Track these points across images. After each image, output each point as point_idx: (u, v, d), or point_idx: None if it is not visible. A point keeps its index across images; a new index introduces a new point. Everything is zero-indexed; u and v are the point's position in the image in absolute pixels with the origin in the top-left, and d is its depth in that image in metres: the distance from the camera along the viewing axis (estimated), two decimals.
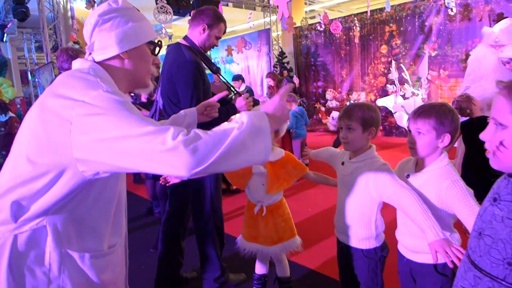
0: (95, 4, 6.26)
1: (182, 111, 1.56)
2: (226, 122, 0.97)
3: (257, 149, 0.93)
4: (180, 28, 12.24)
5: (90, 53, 1.08)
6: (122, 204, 1.16)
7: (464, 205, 1.27)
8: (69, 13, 6.18)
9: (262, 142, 0.93)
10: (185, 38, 2.20)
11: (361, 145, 1.59)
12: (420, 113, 1.38)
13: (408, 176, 1.46)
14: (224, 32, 2.27)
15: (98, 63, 1.06)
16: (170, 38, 9.00)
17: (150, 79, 1.19)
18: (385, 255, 1.61)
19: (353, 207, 1.58)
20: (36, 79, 11.68)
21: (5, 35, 8.70)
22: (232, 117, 2.32)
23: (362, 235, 1.57)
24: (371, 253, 1.57)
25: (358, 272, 1.62)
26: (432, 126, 1.34)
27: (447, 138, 1.35)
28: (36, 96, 12.54)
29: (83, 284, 1.01)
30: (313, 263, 2.63)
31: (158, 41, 1.18)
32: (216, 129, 0.93)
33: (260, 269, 2.18)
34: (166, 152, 0.84)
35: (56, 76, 5.41)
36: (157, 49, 1.18)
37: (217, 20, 2.17)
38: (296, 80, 7.28)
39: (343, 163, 1.66)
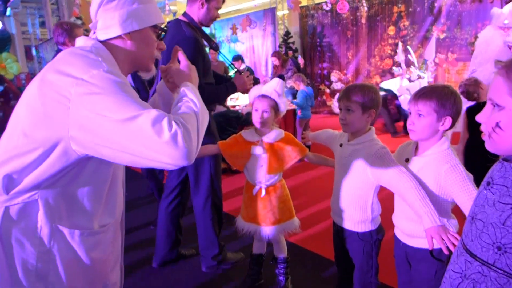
0: None
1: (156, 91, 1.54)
2: (181, 103, 1.03)
3: (206, 122, 1.05)
4: (184, 6, 12.02)
5: (94, 32, 1.07)
6: (118, 184, 1.16)
7: (462, 190, 1.26)
8: None
9: (207, 115, 1.08)
10: (184, 14, 2.18)
11: (360, 127, 1.57)
12: (421, 94, 1.35)
13: (407, 160, 1.45)
14: (223, 1, 2.24)
15: (101, 42, 1.06)
16: (174, 15, 8.88)
17: (152, 63, 1.18)
18: (380, 238, 1.62)
19: (349, 190, 1.59)
20: (40, 55, 11.62)
21: (8, 9, 8.60)
22: (232, 95, 2.29)
23: (357, 217, 1.58)
24: (366, 236, 1.58)
25: (353, 254, 1.64)
26: (433, 108, 1.32)
27: (448, 121, 1.32)
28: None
29: (72, 260, 1.02)
30: (311, 244, 2.66)
31: (165, 26, 1.16)
32: (186, 114, 0.98)
33: (257, 248, 2.20)
34: (164, 143, 0.85)
35: (56, 51, 5.37)
36: (163, 34, 1.16)
37: None
38: (301, 60, 7.19)
39: (341, 145, 1.65)
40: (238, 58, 6.16)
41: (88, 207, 1.05)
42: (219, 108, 4.70)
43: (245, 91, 2.28)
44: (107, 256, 1.13)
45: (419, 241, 1.41)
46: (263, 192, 1.96)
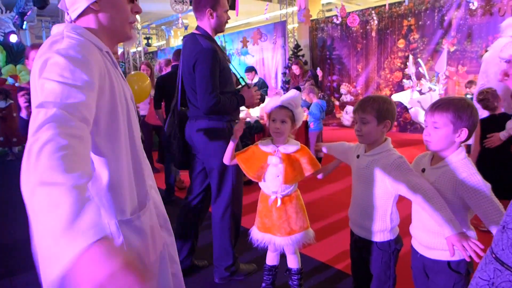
0: None
1: None
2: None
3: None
4: (195, 19, 12.25)
5: (67, 14, 1.03)
6: (143, 169, 1.14)
7: (481, 199, 1.25)
8: None
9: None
10: (197, 28, 2.23)
11: (376, 138, 1.58)
12: (438, 106, 1.35)
13: (423, 170, 1.45)
14: (228, 2, 2.30)
15: (75, 21, 1.02)
16: (186, 28, 9.03)
17: (131, 28, 1.11)
18: (398, 248, 1.61)
19: (369, 200, 1.58)
20: None
21: (25, 22, 8.83)
22: (242, 108, 2.35)
23: (377, 227, 1.57)
24: (385, 245, 1.58)
25: (371, 264, 1.63)
26: (449, 120, 1.32)
27: (464, 133, 1.32)
28: None
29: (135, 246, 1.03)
30: (325, 256, 2.64)
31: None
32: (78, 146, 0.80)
33: (271, 260, 2.19)
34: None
35: None
36: None
37: None
38: (319, 72, 7.21)
39: (358, 156, 1.65)
40: (251, 69, 6.18)
41: (116, 198, 1.02)
42: None
43: (252, 105, 2.32)
44: (156, 223, 1.16)
45: (437, 253, 1.40)
46: (279, 202, 1.97)
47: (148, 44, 10.91)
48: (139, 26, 7.14)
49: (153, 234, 1.15)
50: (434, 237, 1.38)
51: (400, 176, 1.46)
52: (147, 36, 11.27)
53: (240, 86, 2.37)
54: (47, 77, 0.82)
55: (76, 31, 0.97)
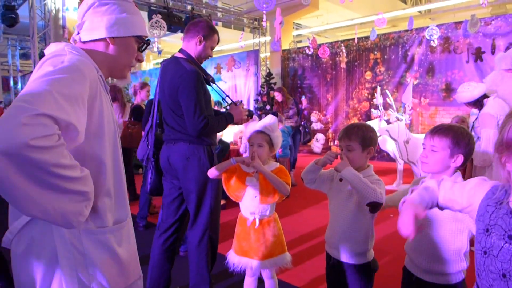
0: None
1: None
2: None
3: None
4: (168, 44, 12.35)
5: (78, 32, 1.10)
6: (123, 179, 1.16)
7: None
8: (60, 22, 6.15)
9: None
10: (181, 51, 2.23)
11: (360, 164, 1.65)
12: (438, 130, 1.42)
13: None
14: (218, 42, 2.33)
15: (83, 43, 1.09)
16: (159, 53, 9.07)
17: (129, 71, 1.21)
18: (375, 269, 1.64)
19: (349, 223, 1.62)
20: (19, 86, 11.43)
21: None
22: (230, 125, 2.37)
23: (356, 250, 1.60)
24: (363, 268, 1.60)
25: (349, 287, 1.64)
26: (447, 145, 1.38)
27: (460, 159, 1.38)
28: None
29: (107, 259, 1.04)
30: (301, 281, 2.63)
31: (147, 39, 1.21)
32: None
33: (248, 285, 2.16)
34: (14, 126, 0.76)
35: None
36: (144, 46, 1.20)
37: (212, 31, 2.23)
38: (304, 101, 7.41)
39: (341, 180, 1.70)
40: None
41: (103, 204, 1.05)
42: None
43: (241, 121, 2.33)
44: (133, 247, 1.15)
45: (435, 277, 1.43)
46: (257, 223, 1.97)
47: None
48: None
49: (130, 257, 1.14)
50: (434, 262, 1.42)
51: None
52: None
53: (227, 104, 2.38)
54: (40, 79, 0.86)
55: (77, 50, 1.03)
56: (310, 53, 8.90)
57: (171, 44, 12.03)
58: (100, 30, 1.07)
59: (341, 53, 8.13)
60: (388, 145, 5.29)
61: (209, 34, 2.21)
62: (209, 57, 2.32)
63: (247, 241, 2.02)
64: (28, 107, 0.77)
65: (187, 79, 2.07)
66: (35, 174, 0.77)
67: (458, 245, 1.39)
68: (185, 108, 2.09)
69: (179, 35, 7.53)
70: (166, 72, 2.21)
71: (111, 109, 1.14)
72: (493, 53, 6.35)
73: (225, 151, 4.51)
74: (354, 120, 8.29)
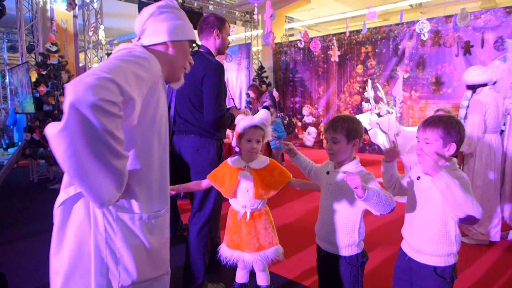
0: (76, 7, 6.18)
1: None
2: None
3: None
4: None
5: (139, 38, 1.22)
6: (166, 171, 1.21)
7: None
8: (48, 14, 6.03)
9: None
10: (202, 47, 2.36)
11: (346, 156, 1.65)
12: (429, 123, 1.48)
13: (418, 178, 1.55)
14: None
15: (145, 47, 1.19)
16: None
17: (183, 73, 1.33)
18: (365, 261, 1.67)
19: (338, 215, 1.64)
20: (7, 79, 11.21)
21: None
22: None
23: (345, 242, 1.62)
24: (353, 259, 1.63)
25: (339, 279, 1.66)
26: (439, 136, 1.45)
27: (453, 147, 1.45)
28: (5, 97, 12.03)
29: (137, 245, 1.08)
30: (293, 273, 2.66)
31: (196, 43, 1.35)
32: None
33: (240, 277, 2.18)
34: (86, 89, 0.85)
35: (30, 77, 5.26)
36: (195, 49, 1.33)
37: (222, 22, 2.35)
38: (275, 93, 7.42)
39: (328, 173, 1.71)
40: None
41: (142, 191, 1.10)
42: None
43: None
44: (166, 240, 1.19)
45: (425, 258, 1.50)
46: (248, 216, 1.98)
47: None
48: (103, 42, 6.99)
49: (161, 248, 1.18)
50: (425, 242, 1.48)
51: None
52: (109, 52, 11.06)
53: (229, 107, 2.44)
54: (111, 59, 0.99)
55: (145, 49, 1.16)
56: (301, 46, 8.88)
57: None
58: (162, 34, 1.20)
59: (332, 46, 8.13)
60: (379, 138, 5.32)
61: (221, 25, 2.33)
62: (229, 46, 2.44)
63: (238, 235, 2.03)
64: (101, 73, 0.87)
65: (213, 69, 2.21)
66: (90, 136, 0.83)
67: (448, 227, 1.45)
68: (207, 96, 2.21)
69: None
70: (193, 65, 2.33)
71: (166, 108, 1.24)
72: (482, 46, 6.42)
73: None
74: (346, 114, 8.33)
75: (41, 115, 5.26)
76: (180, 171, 2.38)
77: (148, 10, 1.23)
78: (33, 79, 5.37)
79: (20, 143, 5.75)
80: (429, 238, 1.48)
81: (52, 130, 0.82)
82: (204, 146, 2.28)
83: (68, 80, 5.85)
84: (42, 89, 5.21)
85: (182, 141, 2.32)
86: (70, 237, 1.05)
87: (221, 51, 2.38)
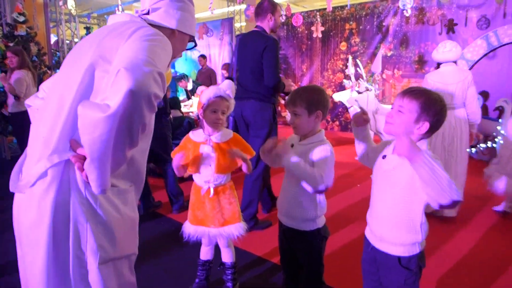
0: None
1: None
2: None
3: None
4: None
5: (148, 12, 1.19)
6: (142, 154, 1.16)
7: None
8: None
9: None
10: (257, 27, 2.92)
11: (310, 129, 1.58)
12: (410, 92, 1.31)
13: (384, 156, 1.40)
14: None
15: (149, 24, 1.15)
16: None
17: (180, 55, 1.34)
18: (326, 236, 1.63)
19: (299, 189, 1.57)
20: None
21: None
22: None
23: (305, 216, 1.57)
24: (314, 234, 1.58)
25: (301, 254, 1.63)
26: (415, 108, 1.27)
27: (425, 126, 1.27)
28: None
29: (115, 217, 1.03)
30: (261, 250, 2.63)
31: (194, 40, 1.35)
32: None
33: (205, 254, 2.13)
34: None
35: (4, 51, 4.99)
36: (193, 46, 1.34)
37: (274, 6, 2.89)
38: None
39: (292, 145, 1.65)
40: (180, 78, 6.18)
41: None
42: (175, 113, 4.61)
43: (290, 91, 2.86)
44: (136, 216, 1.15)
45: (388, 246, 1.35)
46: (212, 191, 1.92)
47: (88, 34, 10.29)
48: (73, 12, 6.65)
49: (133, 226, 1.13)
50: (387, 229, 1.34)
51: (322, 161, 1.50)
52: (87, 25, 10.63)
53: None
54: (147, 42, 0.97)
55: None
56: (283, 21, 8.66)
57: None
58: (172, 20, 1.20)
59: (316, 22, 7.96)
60: None
61: (274, 9, 2.88)
62: (280, 25, 2.99)
63: (201, 211, 1.97)
64: (153, 63, 0.89)
65: (271, 44, 2.76)
66: (129, 125, 0.84)
67: (412, 215, 1.30)
68: (267, 65, 2.75)
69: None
70: (246, 43, 2.90)
71: None
72: (465, 25, 6.35)
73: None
74: (329, 92, 8.25)
75: None
76: (240, 132, 2.95)
77: None
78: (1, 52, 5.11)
79: None
80: (392, 225, 1.33)
81: (97, 114, 0.80)
82: (262, 108, 2.85)
83: (38, 53, 5.59)
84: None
85: (244, 106, 2.88)
86: (46, 209, 0.96)
87: (273, 30, 2.92)
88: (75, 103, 0.95)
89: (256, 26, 2.93)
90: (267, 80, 2.76)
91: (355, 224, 2.90)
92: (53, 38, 7.60)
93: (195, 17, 1.32)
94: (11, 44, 5.05)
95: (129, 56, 0.90)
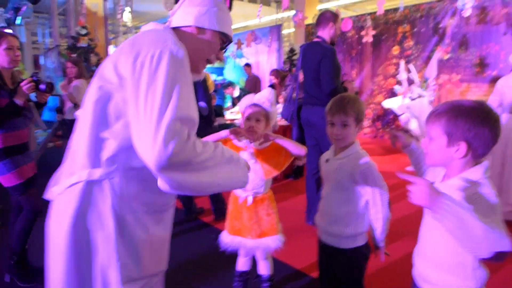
0: None
1: None
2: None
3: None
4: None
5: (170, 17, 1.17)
6: None
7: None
8: None
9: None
10: (318, 37, 3.06)
11: (352, 141, 1.53)
12: (432, 112, 1.11)
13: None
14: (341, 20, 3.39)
15: (172, 29, 1.12)
16: None
17: (204, 67, 1.21)
18: (368, 254, 1.54)
19: (340, 205, 1.50)
20: (41, 62, 11.76)
21: (19, 18, 8.75)
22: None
23: (344, 233, 1.50)
24: (357, 252, 1.51)
25: (338, 272, 1.55)
26: (442, 130, 1.06)
27: (462, 148, 1.03)
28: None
29: (143, 239, 1.03)
30: (301, 263, 2.55)
31: (231, 40, 1.23)
32: (209, 148, 1.01)
33: (242, 265, 2.11)
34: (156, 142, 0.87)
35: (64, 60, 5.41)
36: (227, 44, 1.21)
37: (336, 16, 3.02)
38: (301, 75, 7.20)
39: (327, 161, 1.58)
40: (229, 84, 6.43)
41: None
42: (220, 121, 4.68)
43: None
44: (168, 235, 1.15)
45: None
46: (250, 200, 1.89)
47: None
48: (129, 24, 7.06)
49: (163, 245, 1.14)
50: (432, 270, 1.15)
51: (369, 177, 1.41)
52: None
53: (344, 80, 3.26)
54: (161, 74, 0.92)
55: (174, 34, 1.06)
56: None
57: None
58: (189, 18, 1.12)
59: (366, 27, 7.70)
60: (412, 124, 5.00)
61: (335, 19, 3.00)
62: (340, 35, 3.17)
63: (239, 220, 1.95)
64: (172, 113, 0.87)
65: (329, 54, 2.91)
66: (192, 167, 0.91)
67: (462, 258, 1.08)
68: (324, 73, 2.91)
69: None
70: (307, 53, 3.10)
71: None
72: None
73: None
74: (379, 98, 7.92)
75: None
76: (306, 136, 3.20)
77: None
78: None
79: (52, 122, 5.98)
80: (436, 265, 1.13)
81: (164, 184, 0.92)
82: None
83: (98, 63, 5.98)
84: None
85: (310, 111, 3.09)
86: (66, 220, 0.99)
87: (334, 40, 3.06)
88: (93, 123, 0.98)
89: (317, 36, 3.09)
90: (323, 87, 2.92)
91: (403, 241, 2.72)
92: (112, 49, 8.12)
93: (225, 12, 1.18)
94: (73, 55, 5.47)
95: (144, 123, 0.88)
